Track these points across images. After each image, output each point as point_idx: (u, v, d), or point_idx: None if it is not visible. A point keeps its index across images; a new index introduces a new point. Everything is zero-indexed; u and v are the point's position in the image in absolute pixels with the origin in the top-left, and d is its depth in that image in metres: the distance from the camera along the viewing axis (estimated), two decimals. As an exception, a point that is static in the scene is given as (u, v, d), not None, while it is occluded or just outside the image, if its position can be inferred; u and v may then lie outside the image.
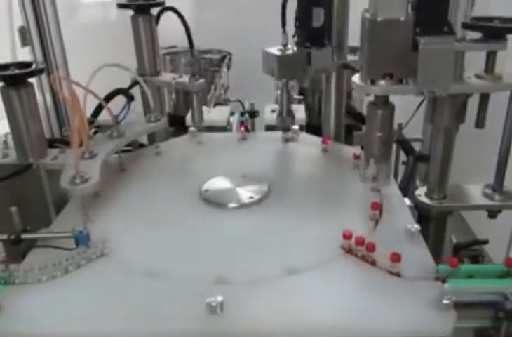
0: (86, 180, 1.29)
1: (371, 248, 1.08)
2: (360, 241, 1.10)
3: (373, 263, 1.08)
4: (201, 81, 1.75)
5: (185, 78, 1.78)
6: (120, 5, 1.79)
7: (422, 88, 1.23)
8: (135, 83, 1.73)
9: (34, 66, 1.43)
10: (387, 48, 1.22)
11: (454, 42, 1.20)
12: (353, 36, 1.53)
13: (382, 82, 1.25)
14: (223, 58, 2.45)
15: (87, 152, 1.41)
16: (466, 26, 1.26)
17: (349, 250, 1.12)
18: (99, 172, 1.33)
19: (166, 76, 1.85)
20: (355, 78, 1.30)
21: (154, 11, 1.80)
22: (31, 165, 1.46)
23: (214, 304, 0.95)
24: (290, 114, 1.72)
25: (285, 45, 1.58)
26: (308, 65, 1.58)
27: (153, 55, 1.83)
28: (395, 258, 1.04)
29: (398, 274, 1.05)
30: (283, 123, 1.73)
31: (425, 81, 1.22)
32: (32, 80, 1.47)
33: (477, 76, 1.32)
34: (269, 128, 1.98)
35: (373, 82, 1.26)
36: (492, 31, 1.27)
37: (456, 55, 1.25)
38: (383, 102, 1.31)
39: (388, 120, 1.33)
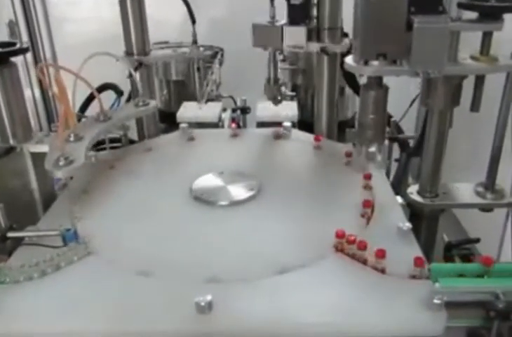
0: (71, 161, 1.26)
1: (362, 246, 1.07)
2: (351, 240, 1.09)
3: (364, 262, 1.07)
4: (201, 49, 1.80)
5: (185, 49, 1.81)
6: None
7: (416, 68, 1.19)
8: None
9: (17, 45, 1.40)
10: (381, 28, 1.19)
11: (448, 21, 1.17)
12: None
13: (375, 62, 1.22)
14: (215, 54, 2.43)
15: (72, 135, 1.38)
16: (461, 5, 1.23)
17: (341, 249, 1.11)
18: (85, 154, 1.30)
19: (163, 51, 1.85)
20: (349, 59, 1.28)
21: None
22: (13, 148, 1.42)
23: (203, 303, 0.94)
24: (277, 83, 1.73)
25: (272, 17, 1.61)
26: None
27: (142, 34, 1.77)
28: (380, 254, 1.04)
29: (383, 271, 1.04)
30: (270, 92, 1.73)
31: (419, 61, 1.19)
32: (21, 75, 1.44)
33: (473, 58, 1.29)
34: (261, 124, 1.96)
35: (366, 63, 1.23)
36: (488, 10, 1.23)
37: (452, 35, 1.22)
38: (376, 83, 1.28)
39: (381, 102, 1.30)
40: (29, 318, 0.97)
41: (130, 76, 1.68)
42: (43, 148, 1.39)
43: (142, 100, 1.63)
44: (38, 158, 1.39)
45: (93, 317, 0.97)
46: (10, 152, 1.42)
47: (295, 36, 1.59)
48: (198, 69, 1.83)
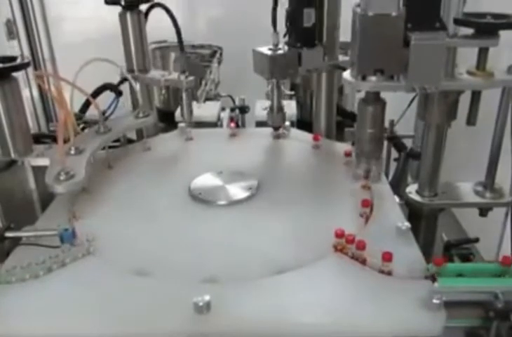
0: (72, 176, 1.26)
1: (361, 246, 1.07)
2: (350, 240, 1.09)
3: (363, 262, 1.07)
4: (191, 78, 1.72)
5: (174, 75, 1.74)
6: (109, 2, 1.76)
7: (413, 84, 1.21)
8: (124, 79, 1.71)
9: (18, 60, 1.40)
10: (378, 44, 1.20)
11: (445, 38, 1.18)
12: (345, 33, 1.52)
13: (373, 78, 1.24)
14: (214, 53, 2.43)
15: (73, 148, 1.38)
16: (458, 22, 1.24)
17: (341, 249, 1.10)
18: (85, 168, 1.31)
19: (155, 73, 1.81)
20: (346, 74, 1.29)
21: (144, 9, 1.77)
22: (14, 162, 1.43)
23: (201, 303, 0.93)
24: (281, 111, 1.71)
25: (276, 45, 1.56)
26: (299, 65, 1.57)
27: (142, 51, 1.78)
28: (387, 256, 1.03)
29: (389, 273, 1.04)
30: (274, 120, 1.71)
31: (416, 77, 1.20)
32: (18, 74, 1.44)
33: (469, 73, 1.31)
34: (260, 124, 1.96)
35: (364, 78, 1.24)
36: (484, 27, 1.25)
37: (448, 51, 1.24)
38: (374, 98, 1.30)
39: (379, 117, 1.32)
40: (24, 319, 0.97)
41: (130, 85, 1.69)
42: (44, 161, 1.40)
43: (143, 111, 1.64)
44: (39, 170, 1.41)
45: (88, 319, 0.96)
46: (11, 165, 1.43)
47: (314, 59, 1.57)
48: (181, 98, 1.73)
